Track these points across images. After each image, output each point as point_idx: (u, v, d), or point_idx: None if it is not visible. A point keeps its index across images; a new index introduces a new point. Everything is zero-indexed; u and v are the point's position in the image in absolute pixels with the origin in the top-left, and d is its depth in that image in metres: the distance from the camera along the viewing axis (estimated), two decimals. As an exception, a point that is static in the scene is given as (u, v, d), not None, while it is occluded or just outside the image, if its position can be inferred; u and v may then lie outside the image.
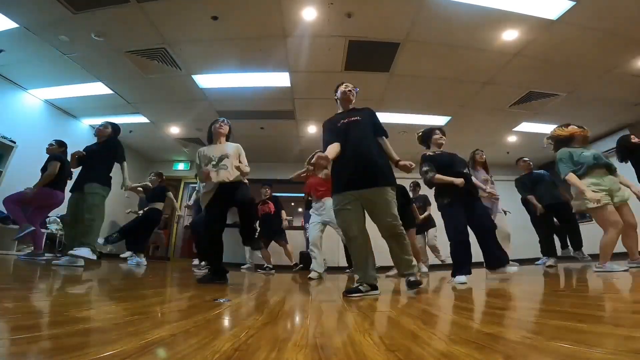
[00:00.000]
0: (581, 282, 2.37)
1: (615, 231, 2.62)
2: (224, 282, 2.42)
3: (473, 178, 3.11)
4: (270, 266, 4.86)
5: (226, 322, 1.01)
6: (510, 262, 2.74)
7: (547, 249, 4.28)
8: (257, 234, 4.54)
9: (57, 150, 3.88)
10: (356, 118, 2.19)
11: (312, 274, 3.52)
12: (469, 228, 2.61)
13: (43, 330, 0.78)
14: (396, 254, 1.92)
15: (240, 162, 2.65)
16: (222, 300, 1.47)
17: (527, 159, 4.52)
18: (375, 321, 1.08)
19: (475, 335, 0.83)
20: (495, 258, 2.59)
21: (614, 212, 2.65)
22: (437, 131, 2.89)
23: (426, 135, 2.92)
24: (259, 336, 0.81)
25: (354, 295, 1.73)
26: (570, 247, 4.26)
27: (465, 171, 2.76)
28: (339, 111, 2.40)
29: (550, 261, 4.20)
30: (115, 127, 3.61)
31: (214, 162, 2.57)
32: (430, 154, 2.80)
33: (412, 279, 1.85)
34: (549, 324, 0.95)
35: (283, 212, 5.12)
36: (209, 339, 0.76)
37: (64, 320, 0.93)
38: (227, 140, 2.80)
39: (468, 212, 2.62)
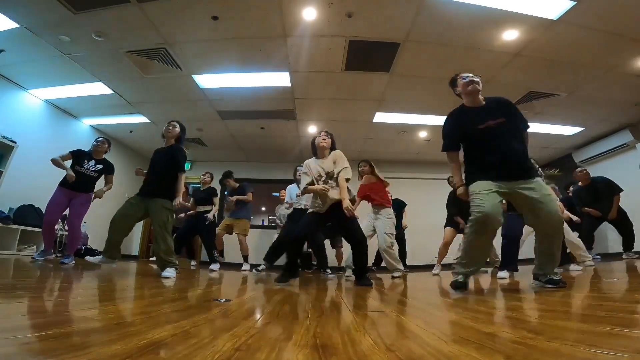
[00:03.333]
0: (583, 283, 2.37)
1: None
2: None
3: None
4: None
5: (226, 322, 1.01)
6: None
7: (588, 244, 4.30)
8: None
9: (106, 150, 3.94)
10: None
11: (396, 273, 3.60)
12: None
13: (43, 330, 0.78)
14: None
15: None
16: (222, 300, 1.47)
17: (583, 169, 4.54)
18: (375, 321, 1.08)
19: (475, 335, 0.83)
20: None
21: None
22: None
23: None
24: (259, 336, 0.81)
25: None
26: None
27: None
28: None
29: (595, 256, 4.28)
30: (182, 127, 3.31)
31: (323, 178, 2.70)
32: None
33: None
34: (550, 324, 0.95)
35: None
36: (209, 339, 0.76)
37: (64, 320, 0.93)
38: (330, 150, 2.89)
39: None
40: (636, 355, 0.60)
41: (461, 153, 2.13)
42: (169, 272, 2.74)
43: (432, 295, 2.03)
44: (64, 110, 5.68)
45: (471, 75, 2.06)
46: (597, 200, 4.32)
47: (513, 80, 4.48)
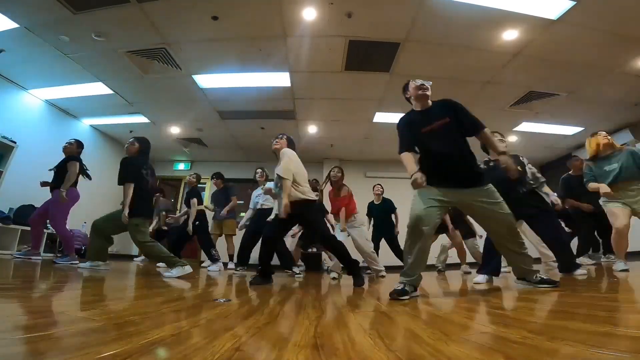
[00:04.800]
0: (583, 282, 2.37)
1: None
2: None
3: None
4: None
5: (226, 322, 1.01)
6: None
7: (593, 247, 4.13)
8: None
9: (75, 150, 3.82)
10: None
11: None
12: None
13: (43, 330, 0.78)
14: None
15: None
16: (222, 300, 1.47)
17: (579, 157, 4.12)
18: (375, 321, 1.08)
19: (476, 335, 0.83)
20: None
21: None
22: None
23: None
24: (259, 336, 0.81)
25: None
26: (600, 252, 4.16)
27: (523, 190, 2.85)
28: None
29: (588, 260, 4.01)
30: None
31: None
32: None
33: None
34: (550, 324, 0.95)
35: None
36: (209, 338, 0.76)
37: (64, 320, 0.93)
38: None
39: None
40: (636, 355, 0.60)
41: None
42: (171, 272, 2.80)
43: (432, 296, 2.03)
44: (64, 110, 5.69)
45: (422, 81, 2.08)
46: (588, 192, 3.71)
47: (513, 80, 4.48)
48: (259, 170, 4.41)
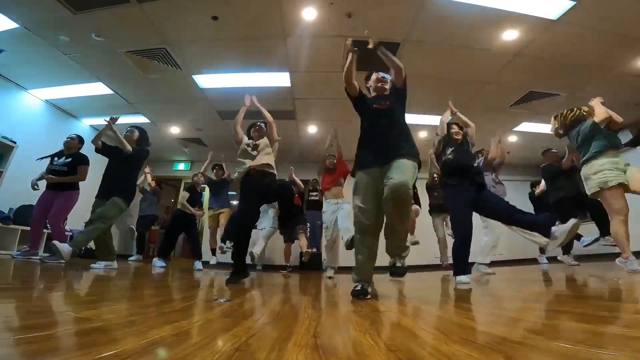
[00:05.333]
0: (582, 282, 2.37)
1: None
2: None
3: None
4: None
5: (226, 322, 1.01)
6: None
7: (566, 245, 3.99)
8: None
9: (77, 145, 3.81)
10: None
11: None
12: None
13: (43, 330, 0.78)
14: None
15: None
16: (222, 300, 1.47)
17: (552, 149, 4.31)
18: (375, 321, 1.08)
19: (475, 335, 0.83)
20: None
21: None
22: (454, 125, 2.90)
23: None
24: (259, 336, 0.81)
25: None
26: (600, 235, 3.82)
27: (477, 160, 2.85)
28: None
29: (569, 259, 4.10)
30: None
31: (250, 147, 2.79)
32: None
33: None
34: (550, 324, 0.95)
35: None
36: (209, 339, 0.76)
37: (64, 320, 0.93)
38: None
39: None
40: (636, 355, 0.60)
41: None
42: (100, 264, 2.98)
43: (431, 296, 2.03)
44: (64, 110, 5.69)
45: (383, 74, 2.11)
46: (568, 180, 3.91)
47: (513, 80, 4.48)
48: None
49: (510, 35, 3.63)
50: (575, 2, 3.11)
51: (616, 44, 3.66)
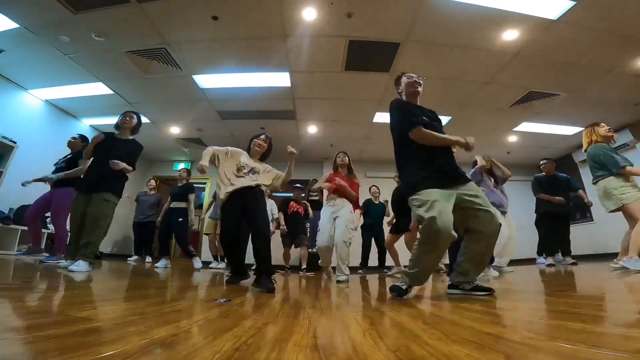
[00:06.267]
0: (581, 282, 2.37)
1: None
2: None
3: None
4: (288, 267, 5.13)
5: (226, 322, 1.01)
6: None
7: (550, 249, 4.55)
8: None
9: (80, 144, 3.79)
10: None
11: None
12: None
13: (43, 331, 0.78)
14: None
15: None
16: (222, 300, 1.47)
17: (548, 161, 4.72)
18: (375, 321, 1.08)
19: (475, 335, 0.83)
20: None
21: None
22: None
23: None
24: (259, 336, 0.81)
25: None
26: (559, 254, 4.58)
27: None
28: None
29: (550, 260, 4.41)
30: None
31: (245, 170, 2.57)
32: None
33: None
34: (550, 324, 0.95)
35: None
36: (209, 339, 0.76)
37: (64, 320, 0.93)
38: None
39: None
40: (636, 355, 0.60)
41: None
42: (79, 265, 2.61)
43: (431, 296, 2.03)
44: (64, 110, 5.68)
45: (416, 76, 2.03)
46: (555, 192, 4.48)
47: (513, 80, 4.48)
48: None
49: (510, 35, 3.63)
50: (575, 2, 3.11)
51: (616, 44, 3.66)
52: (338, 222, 3.31)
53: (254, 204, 2.41)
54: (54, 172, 3.67)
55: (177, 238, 4.91)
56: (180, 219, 4.71)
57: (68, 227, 3.32)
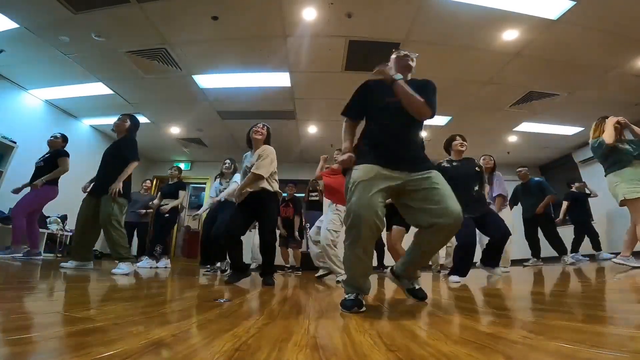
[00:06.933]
0: (580, 282, 2.37)
1: None
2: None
3: (486, 193, 3.17)
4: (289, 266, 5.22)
5: (226, 322, 1.01)
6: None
7: (535, 251, 4.93)
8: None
9: (61, 144, 3.84)
10: None
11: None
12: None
13: (43, 331, 0.78)
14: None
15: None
16: (222, 300, 1.47)
17: (522, 169, 5.04)
18: (375, 321, 1.08)
19: (475, 335, 0.83)
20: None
21: None
22: (458, 137, 2.96)
23: (447, 142, 3.03)
24: (259, 336, 0.81)
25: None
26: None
27: (476, 188, 2.81)
28: None
29: (533, 260, 4.86)
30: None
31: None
32: (445, 165, 2.85)
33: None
34: (549, 324, 0.95)
35: (297, 217, 5.22)
36: (209, 339, 0.76)
37: (64, 320, 0.93)
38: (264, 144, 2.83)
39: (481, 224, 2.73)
40: (636, 355, 0.60)
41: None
42: (121, 268, 2.75)
43: (431, 296, 2.03)
44: (64, 110, 5.69)
45: (406, 51, 1.84)
46: (528, 197, 4.81)
47: (513, 80, 4.48)
48: (227, 161, 4.10)
49: (510, 35, 3.63)
50: (575, 2, 3.11)
51: (616, 44, 3.66)
52: (322, 225, 3.40)
53: (261, 211, 2.59)
54: (34, 171, 3.69)
55: (155, 232, 4.70)
56: (167, 215, 4.58)
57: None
